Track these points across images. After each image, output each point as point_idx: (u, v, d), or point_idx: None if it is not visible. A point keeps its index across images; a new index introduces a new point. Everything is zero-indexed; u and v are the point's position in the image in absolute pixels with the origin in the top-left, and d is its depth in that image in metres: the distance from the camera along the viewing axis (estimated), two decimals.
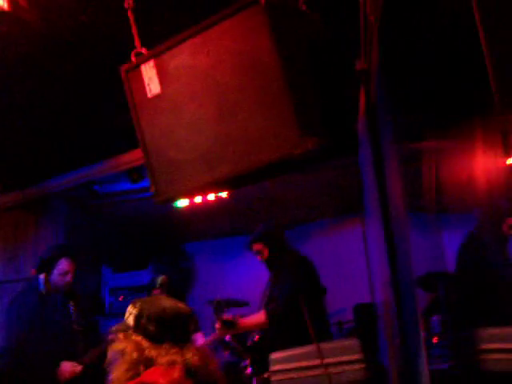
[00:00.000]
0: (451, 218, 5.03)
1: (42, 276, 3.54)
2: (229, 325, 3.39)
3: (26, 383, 3.41)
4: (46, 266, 3.67)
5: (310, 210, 6.44)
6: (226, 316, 3.47)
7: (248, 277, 5.76)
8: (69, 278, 3.70)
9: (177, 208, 5.21)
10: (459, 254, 3.54)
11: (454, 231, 5.05)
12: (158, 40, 2.05)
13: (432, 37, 2.83)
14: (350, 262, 6.17)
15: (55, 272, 3.67)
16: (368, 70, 2.79)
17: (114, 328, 1.90)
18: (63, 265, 3.68)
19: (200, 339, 4.58)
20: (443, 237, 5.09)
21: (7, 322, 3.70)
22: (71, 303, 3.78)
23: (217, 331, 3.51)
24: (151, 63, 2.01)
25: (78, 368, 3.50)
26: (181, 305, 1.92)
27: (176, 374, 1.70)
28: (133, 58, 2.09)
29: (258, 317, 3.41)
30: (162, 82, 1.98)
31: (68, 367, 3.47)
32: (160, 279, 4.63)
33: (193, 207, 5.13)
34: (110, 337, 1.90)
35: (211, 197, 4.68)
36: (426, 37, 2.81)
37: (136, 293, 5.89)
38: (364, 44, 2.76)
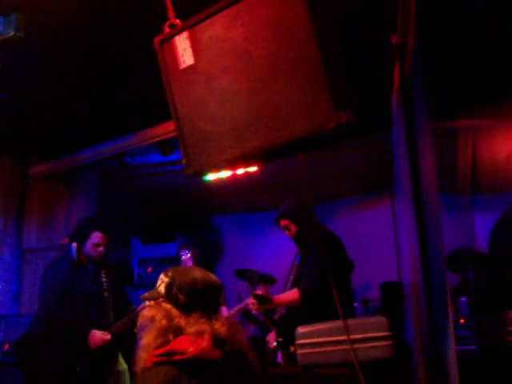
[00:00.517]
0: (484, 199, 4.92)
1: (74, 244, 3.62)
2: (262, 300, 3.39)
3: (58, 348, 3.51)
4: (80, 236, 3.76)
5: (339, 187, 6.40)
6: (260, 292, 3.46)
7: (275, 252, 5.78)
8: (101, 249, 3.80)
9: (206, 181, 5.24)
10: (491, 236, 3.46)
11: (487, 213, 4.95)
12: (192, 11, 2.03)
13: (471, 10, 2.74)
14: (377, 240, 6.14)
15: (88, 243, 3.77)
16: (404, 45, 2.73)
17: (144, 295, 1.93)
18: (96, 237, 3.78)
19: (224, 312, 4.63)
20: (475, 218, 5.00)
21: (41, 289, 3.81)
22: (102, 272, 3.87)
23: (250, 306, 3.51)
24: (185, 34, 1.99)
25: (107, 337, 3.59)
26: (212, 276, 1.93)
27: (204, 343, 1.72)
28: (167, 30, 2.08)
29: (291, 294, 3.41)
30: (195, 54, 1.97)
31: (98, 336, 3.56)
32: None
33: (222, 181, 5.15)
34: (141, 305, 1.93)
35: (240, 171, 4.68)
36: (464, 10, 2.72)
37: (164, 264, 5.98)
38: (401, 18, 2.69)
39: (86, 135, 4.76)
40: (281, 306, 3.47)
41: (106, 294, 3.82)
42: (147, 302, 1.91)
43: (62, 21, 3.16)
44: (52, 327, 3.56)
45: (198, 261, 4.98)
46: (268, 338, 3.81)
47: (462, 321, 3.93)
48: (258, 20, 1.83)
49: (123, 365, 3.81)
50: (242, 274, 4.64)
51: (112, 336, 3.60)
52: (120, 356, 3.83)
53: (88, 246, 3.77)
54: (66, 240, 3.75)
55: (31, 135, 4.82)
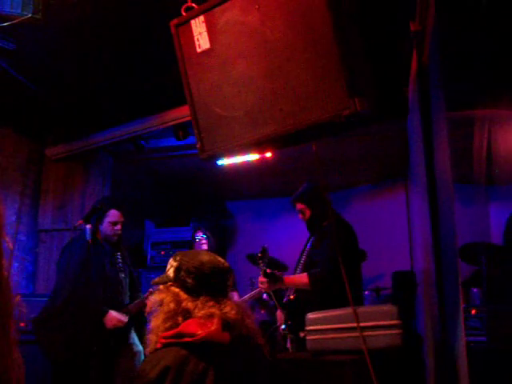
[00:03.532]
0: (500, 190, 4.87)
1: (88, 226, 3.65)
2: (272, 278, 3.37)
3: (74, 326, 3.54)
4: (97, 215, 3.77)
5: (353, 175, 6.37)
6: (270, 270, 3.44)
7: (288, 238, 5.79)
8: (118, 227, 3.82)
9: (220, 166, 5.24)
10: (507, 227, 3.44)
11: (502, 203, 4.90)
12: None
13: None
14: (391, 229, 6.12)
15: (105, 222, 3.79)
16: (422, 32, 2.69)
17: (155, 280, 1.95)
18: (113, 215, 3.80)
19: (235, 298, 4.65)
20: (490, 209, 4.95)
21: (58, 269, 3.85)
22: (119, 254, 3.90)
23: (259, 284, 3.49)
24: (201, 18, 1.98)
25: (124, 320, 3.62)
26: (220, 260, 1.94)
27: (213, 326, 1.74)
28: (183, 13, 2.07)
29: (302, 277, 3.40)
30: (211, 38, 1.96)
31: (115, 316, 3.59)
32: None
33: (236, 167, 5.15)
34: (149, 291, 1.95)
35: (255, 157, 4.67)
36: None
37: (177, 248, 6.01)
38: (420, 5, 2.65)
39: (101, 118, 4.78)
40: (290, 287, 3.47)
41: (122, 275, 3.85)
42: (160, 286, 1.93)
43: (79, 3, 3.16)
44: (69, 306, 3.59)
45: (213, 245, 4.99)
46: (279, 322, 3.82)
47: (473, 311, 3.91)
48: (275, 4, 1.82)
49: (139, 346, 3.85)
50: (254, 258, 4.66)
51: (128, 318, 3.63)
52: (136, 337, 3.87)
53: (105, 225, 3.78)
54: (80, 222, 3.78)
55: (48, 117, 4.85)
